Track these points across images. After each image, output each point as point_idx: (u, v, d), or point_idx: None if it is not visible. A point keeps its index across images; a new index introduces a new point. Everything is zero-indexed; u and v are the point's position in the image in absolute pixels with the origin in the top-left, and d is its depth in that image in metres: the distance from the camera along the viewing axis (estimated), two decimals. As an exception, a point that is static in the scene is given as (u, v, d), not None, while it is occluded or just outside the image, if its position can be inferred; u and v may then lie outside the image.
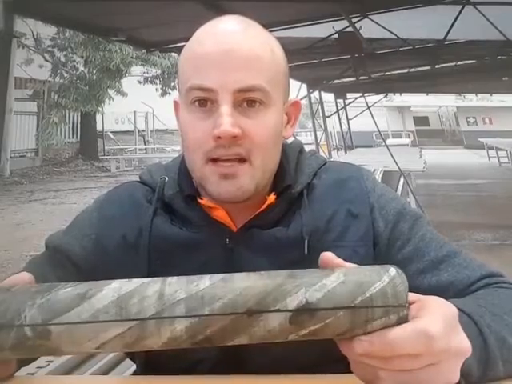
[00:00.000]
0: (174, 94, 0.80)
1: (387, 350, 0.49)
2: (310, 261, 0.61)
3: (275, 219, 0.77)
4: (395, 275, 0.51)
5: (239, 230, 0.76)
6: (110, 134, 18.47)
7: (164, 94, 16.17)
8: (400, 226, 0.78)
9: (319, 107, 12.64)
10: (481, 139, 15.70)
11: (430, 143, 21.67)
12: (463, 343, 0.51)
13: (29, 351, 0.51)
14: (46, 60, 13.44)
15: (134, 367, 0.89)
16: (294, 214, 0.77)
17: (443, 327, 0.49)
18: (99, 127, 16.70)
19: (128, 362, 1.11)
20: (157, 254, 0.76)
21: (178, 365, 0.73)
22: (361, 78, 8.86)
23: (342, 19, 5.20)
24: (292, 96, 0.80)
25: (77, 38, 12.32)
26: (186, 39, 0.75)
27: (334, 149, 14.49)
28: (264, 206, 0.75)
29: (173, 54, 8.95)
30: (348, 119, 13.92)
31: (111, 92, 13.44)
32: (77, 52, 12.79)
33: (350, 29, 5.34)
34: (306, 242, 0.74)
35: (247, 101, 0.69)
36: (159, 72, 15.65)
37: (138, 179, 0.86)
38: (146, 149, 18.15)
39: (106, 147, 16.80)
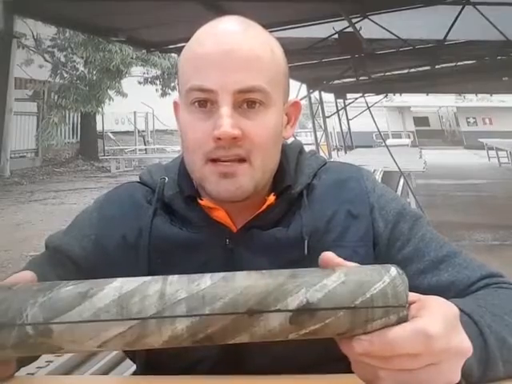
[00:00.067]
0: (174, 95, 0.80)
1: (387, 349, 0.49)
2: (309, 261, 0.61)
3: (275, 220, 0.77)
4: (396, 275, 0.51)
5: (239, 230, 0.76)
6: (110, 135, 18.47)
7: (164, 94, 16.18)
8: (400, 226, 0.78)
9: (319, 107, 12.64)
10: (481, 139, 15.69)
11: (430, 143, 21.66)
12: (464, 343, 0.52)
13: (30, 349, 0.51)
14: (46, 60, 13.44)
15: (134, 367, 0.88)
16: (293, 214, 0.77)
17: (443, 327, 0.49)
18: (99, 128, 16.70)
19: (128, 362, 1.11)
20: (157, 254, 0.76)
21: (178, 364, 0.73)
22: (361, 78, 8.85)
23: (342, 19, 5.20)
24: (292, 96, 0.80)
25: (77, 38, 12.32)
26: (186, 39, 0.75)
27: (333, 149, 14.48)
28: (264, 207, 0.75)
29: (173, 54, 8.97)
30: (348, 119, 13.92)
31: (111, 92, 13.44)
32: (77, 52, 12.79)
33: (350, 29, 5.35)
34: (306, 242, 0.74)
35: (247, 102, 0.69)
36: (159, 72, 15.66)
37: (138, 179, 0.86)
38: (145, 149, 18.15)
39: (105, 147, 16.80)
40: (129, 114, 19.35)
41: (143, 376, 0.78)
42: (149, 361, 0.76)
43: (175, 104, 0.78)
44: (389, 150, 6.33)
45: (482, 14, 4.92)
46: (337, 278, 0.51)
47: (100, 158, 15.26)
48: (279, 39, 0.76)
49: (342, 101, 12.88)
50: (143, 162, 14.21)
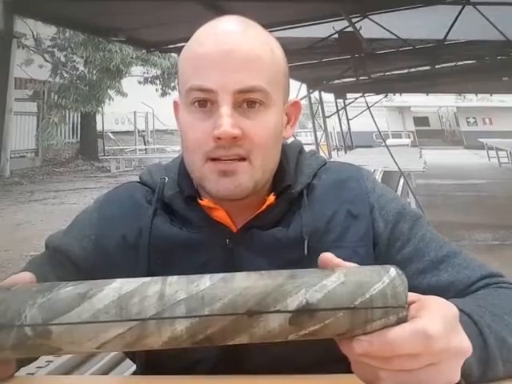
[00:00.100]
0: (174, 95, 0.80)
1: (387, 350, 0.49)
2: (309, 261, 0.61)
3: (275, 220, 0.76)
4: (395, 276, 0.51)
5: (239, 230, 0.76)
6: (110, 135, 18.47)
7: (164, 94, 16.18)
8: (400, 226, 0.78)
9: (319, 107, 12.64)
10: (481, 139, 15.69)
11: (430, 143, 21.66)
12: (463, 343, 0.52)
13: (29, 351, 0.51)
14: (46, 60, 13.45)
15: (134, 367, 0.89)
16: (293, 214, 0.77)
17: (443, 327, 0.49)
18: (99, 127, 16.70)
19: (128, 362, 1.11)
20: (157, 254, 0.76)
21: (177, 364, 0.73)
22: (361, 78, 8.86)
23: (342, 19, 5.20)
24: (292, 96, 0.80)
25: (77, 38, 12.32)
26: (186, 39, 0.75)
27: (333, 149, 14.48)
28: (264, 207, 0.75)
29: (173, 54, 8.97)
30: (348, 119, 13.92)
31: (111, 92, 13.44)
32: (77, 52, 12.79)
33: (350, 29, 5.34)
34: (306, 242, 0.74)
35: (247, 101, 0.69)
36: (159, 72, 15.66)
37: (138, 179, 0.86)
38: (145, 149, 18.15)
39: (106, 147, 16.80)
40: (129, 113, 19.36)
41: (143, 376, 0.78)
42: (149, 361, 0.76)
43: (175, 104, 0.78)
44: (389, 150, 6.33)
45: (482, 14, 4.92)
46: (336, 278, 0.51)
47: (100, 157, 15.26)
48: (279, 39, 0.76)
49: (341, 101, 12.89)
50: (143, 162, 14.21)
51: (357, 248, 0.76)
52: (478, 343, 0.59)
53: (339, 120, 14.13)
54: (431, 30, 5.89)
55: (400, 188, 6.46)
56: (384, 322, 0.50)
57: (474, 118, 22.84)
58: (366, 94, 9.33)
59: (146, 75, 16.30)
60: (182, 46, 0.75)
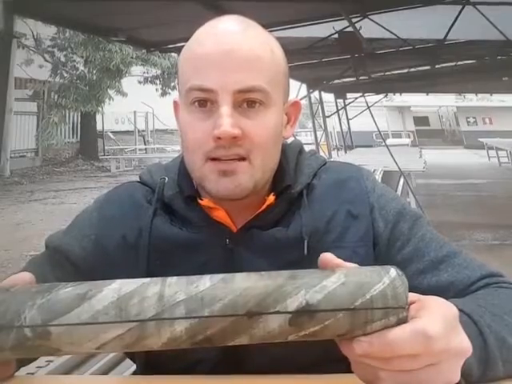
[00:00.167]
0: (174, 94, 0.80)
1: (387, 350, 0.49)
2: (309, 261, 0.61)
3: (275, 220, 0.76)
4: (395, 277, 0.51)
5: (239, 230, 0.76)
6: (110, 134, 18.46)
7: (164, 94, 16.18)
8: (400, 226, 0.78)
9: (319, 107, 12.64)
10: (481, 139, 15.70)
11: (430, 143, 21.66)
12: (463, 343, 0.52)
13: (29, 351, 0.51)
14: (46, 60, 13.45)
15: (134, 367, 0.89)
16: (293, 214, 0.77)
17: (443, 327, 0.49)
18: (99, 127, 16.70)
19: (128, 362, 1.11)
20: (156, 254, 0.76)
21: (177, 365, 0.73)
22: (361, 78, 8.86)
23: (342, 19, 5.20)
24: (292, 96, 0.80)
25: (77, 38, 12.32)
26: (186, 39, 0.75)
27: (333, 149, 14.49)
28: (264, 207, 0.75)
29: (173, 54, 8.96)
30: (348, 119, 13.92)
31: (111, 92, 13.44)
32: (77, 52, 12.79)
33: (350, 29, 5.34)
34: (306, 242, 0.74)
35: (247, 101, 0.69)
36: (159, 72, 15.65)
37: (138, 179, 0.86)
38: (146, 149, 18.15)
39: (106, 147, 16.80)
40: (129, 113, 19.35)
41: (143, 376, 0.78)
42: (149, 361, 0.76)
43: (175, 104, 0.78)
44: (389, 150, 6.34)
45: (482, 13, 4.92)
46: (336, 279, 0.51)
47: (100, 157, 15.26)
48: (279, 39, 0.76)
49: (341, 100, 12.88)
50: (143, 162, 14.21)
51: (357, 248, 0.76)
52: (478, 343, 0.59)
53: (339, 120, 14.14)
54: (431, 29, 5.89)
55: (400, 188, 6.46)
56: (384, 322, 0.50)
57: (473, 117, 22.85)
58: (365, 94, 9.33)
59: (145, 75, 16.30)
60: (182, 46, 0.75)
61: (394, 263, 0.54)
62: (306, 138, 16.57)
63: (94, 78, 12.96)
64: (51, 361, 1.15)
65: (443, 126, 25.29)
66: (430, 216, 3.97)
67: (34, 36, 12.87)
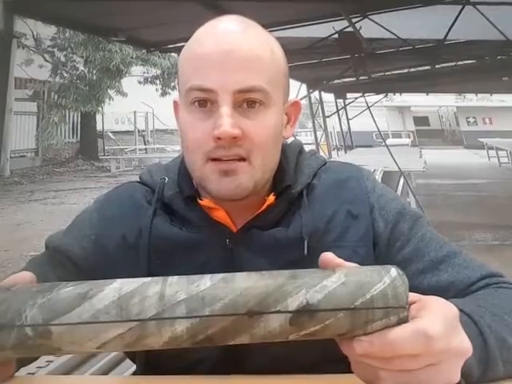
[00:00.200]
0: (174, 94, 0.80)
1: (387, 350, 0.49)
2: (309, 261, 0.61)
3: (275, 220, 0.76)
4: (396, 276, 0.51)
5: (239, 230, 0.76)
6: (110, 134, 18.47)
7: (164, 94, 16.18)
8: (400, 226, 0.78)
9: (319, 107, 12.64)
10: (481, 139, 15.70)
11: (430, 143, 21.66)
12: (464, 343, 0.52)
13: (30, 351, 0.51)
14: (46, 60, 13.45)
15: (134, 367, 0.88)
16: (293, 214, 0.77)
17: (443, 327, 0.49)
18: (99, 127, 16.70)
19: (128, 362, 1.11)
20: (156, 254, 0.76)
21: (178, 364, 0.73)
22: (361, 78, 8.86)
23: (342, 19, 5.20)
24: (292, 96, 0.80)
25: (77, 38, 12.33)
26: (186, 39, 0.75)
27: (333, 149, 14.48)
28: (264, 207, 0.75)
29: (173, 54, 8.96)
30: (348, 119, 13.92)
31: (111, 92, 13.45)
32: (77, 52, 12.79)
33: (350, 29, 5.35)
34: (306, 242, 0.74)
35: (247, 101, 0.69)
36: (159, 72, 15.66)
37: (138, 179, 0.86)
38: (146, 149, 18.15)
39: (106, 147, 16.80)
40: (129, 113, 19.36)
41: (143, 376, 0.78)
42: (149, 361, 0.76)
43: (175, 104, 0.78)
44: (389, 150, 6.34)
45: (482, 13, 4.92)
46: (337, 278, 0.51)
47: (100, 157, 15.26)
48: (279, 39, 0.76)
49: (341, 100, 12.89)
50: (143, 162, 14.21)
51: (357, 248, 0.76)
52: (478, 343, 0.59)
53: (339, 120, 14.14)
54: (431, 29, 5.89)
55: (400, 188, 6.46)
56: (385, 322, 0.50)
57: (473, 117, 22.85)
58: (366, 94, 9.33)
59: (145, 75, 16.31)
60: (182, 46, 0.75)
61: (394, 263, 0.54)
62: (305, 138, 16.57)
63: (94, 78, 12.96)
64: (51, 361, 1.15)
65: (443, 126, 25.29)
66: (430, 216, 3.96)
67: (33, 36, 12.88)
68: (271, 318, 0.49)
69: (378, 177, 5.30)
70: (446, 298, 0.55)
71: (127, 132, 19.58)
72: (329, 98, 13.99)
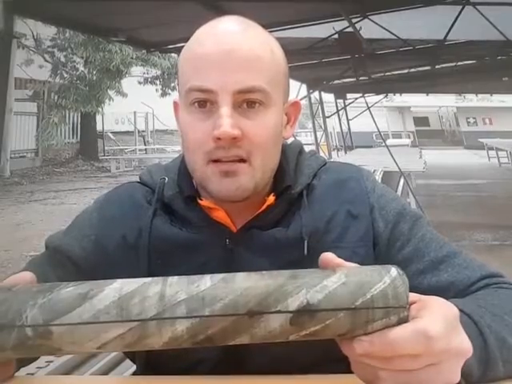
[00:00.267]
0: (174, 95, 0.80)
1: (387, 350, 0.49)
2: (309, 261, 0.61)
3: (275, 220, 0.76)
4: (396, 276, 0.51)
5: (239, 230, 0.76)
6: (110, 135, 18.48)
7: (164, 94, 16.19)
8: (400, 226, 0.78)
9: (319, 107, 12.64)
10: (481, 139, 15.70)
11: (430, 143, 21.67)
12: (464, 344, 0.52)
13: (30, 351, 0.51)
14: (46, 60, 13.45)
15: (134, 367, 0.88)
16: (293, 214, 0.77)
17: (443, 327, 0.49)
18: (99, 128, 16.71)
19: (128, 362, 1.11)
20: (156, 254, 0.76)
21: (178, 365, 0.73)
22: (361, 78, 8.86)
23: (342, 19, 5.20)
24: (292, 96, 0.80)
25: (77, 38, 12.33)
26: (186, 39, 0.75)
27: (333, 149, 14.48)
28: (264, 207, 0.75)
29: (173, 54, 8.97)
30: (348, 119, 13.92)
31: (111, 92, 13.45)
32: (77, 52, 12.80)
33: (350, 29, 5.35)
34: (306, 242, 0.74)
35: (247, 102, 0.69)
36: (159, 72, 15.67)
37: (138, 180, 0.86)
38: (145, 149, 18.15)
39: (105, 147, 16.81)
40: (129, 113, 19.36)
41: (143, 376, 0.78)
42: (149, 361, 0.76)
43: (175, 104, 0.78)
44: (389, 150, 6.34)
45: (482, 14, 4.92)
46: (337, 278, 0.51)
47: (100, 157, 15.27)
48: (279, 39, 0.76)
49: (341, 101, 12.89)
50: (143, 162, 14.21)
51: (357, 248, 0.76)
52: (479, 343, 0.59)
53: (339, 120, 14.13)
54: (431, 30, 5.89)
55: (400, 188, 6.47)
56: (385, 322, 0.50)
57: (474, 118, 22.85)
58: (366, 94, 9.34)
59: (145, 75, 16.31)
60: (182, 46, 0.75)
61: (394, 263, 0.54)
62: (305, 139, 16.58)
63: (94, 78, 12.96)
64: (51, 361, 1.15)
65: (443, 126, 25.29)
66: (430, 216, 3.96)
67: (34, 36, 12.88)
68: (271, 318, 0.49)
69: (378, 177, 5.30)
70: (446, 298, 0.55)
71: (127, 132, 19.59)
72: (329, 98, 13.99)
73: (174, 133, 19.88)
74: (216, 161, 0.70)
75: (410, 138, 20.54)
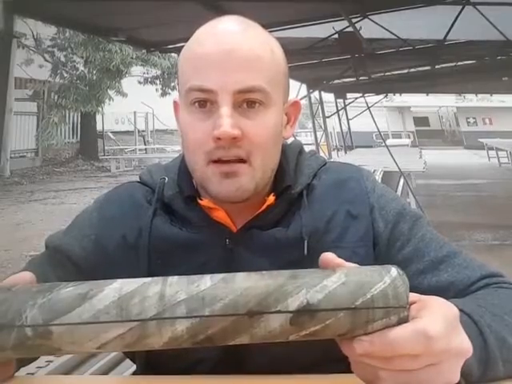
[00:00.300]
0: (174, 95, 0.80)
1: (388, 350, 0.49)
2: (309, 261, 0.61)
3: (275, 220, 0.76)
4: (396, 276, 0.51)
5: (239, 230, 0.76)
6: (110, 135, 18.47)
7: (164, 94, 16.18)
8: (400, 226, 0.78)
9: (319, 107, 12.64)
10: (481, 139, 15.70)
11: (430, 143, 21.67)
12: (464, 343, 0.52)
13: (30, 351, 0.51)
14: (46, 60, 13.45)
15: (134, 367, 0.88)
16: (293, 214, 0.77)
17: (443, 327, 0.49)
18: (99, 127, 16.71)
19: (128, 362, 1.11)
20: (156, 254, 0.76)
21: (178, 365, 0.73)
22: (361, 78, 8.86)
23: (342, 19, 5.20)
24: (292, 96, 0.80)
25: (77, 38, 12.33)
26: (186, 39, 0.75)
27: (333, 149, 14.48)
28: (264, 207, 0.75)
29: (173, 54, 8.97)
30: (348, 119, 13.92)
31: (111, 92, 13.45)
32: (77, 52, 12.80)
33: (350, 29, 5.35)
34: (306, 242, 0.74)
35: (247, 101, 0.69)
36: (159, 72, 15.66)
37: (138, 179, 0.86)
38: (145, 149, 18.16)
39: (105, 147, 16.81)
40: (129, 113, 19.36)
41: (143, 376, 0.78)
42: (149, 361, 0.76)
43: (175, 104, 0.78)
44: (389, 150, 6.34)
45: (482, 14, 4.92)
46: (337, 278, 0.51)
47: (100, 157, 15.27)
48: (279, 39, 0.76)
49: (341, 101, 12.89)
50: (143, 162, 14.21)
51: (356, 248, 0.76)
52: (478, 343, 0.59)
53: (339, 120, 14.13)
54: (431, 30, 5.89)
55: (400, 188, 6.47)
56: (385, 322, 0.50)
57: (473, 118, 22.85)
58: (365, 94, 9.34)
59: (145, 75, 16.31)
60: (182, 46, 0.75)
61: (394, 263, 0.54)
62: (305, 139, 16.58)
63: (94, 78, 12.96)
64: (51, 361, 1.15)
65: (443, 126, 25.29)
66: (430, 216, 3.96)
67: (33, 36, 12.88)
68: (271, 318, 0.49)
69: (378, 177, 5.30)
70: (446, 298, 0.55)
71: (127, 132, 19.58)
72: (329, 98, 14.00)
73: (173, 133, 19.88)
74: (216, 161, 0.70)
75: (409, 138, 20.54)
